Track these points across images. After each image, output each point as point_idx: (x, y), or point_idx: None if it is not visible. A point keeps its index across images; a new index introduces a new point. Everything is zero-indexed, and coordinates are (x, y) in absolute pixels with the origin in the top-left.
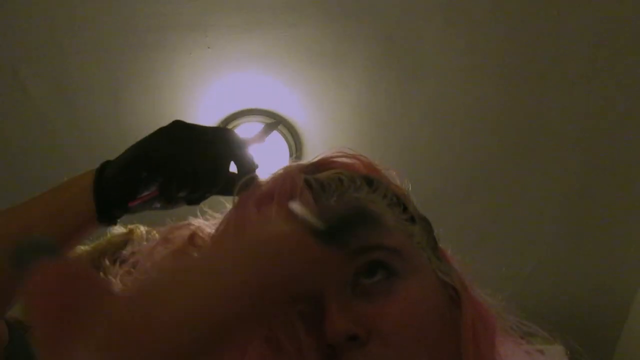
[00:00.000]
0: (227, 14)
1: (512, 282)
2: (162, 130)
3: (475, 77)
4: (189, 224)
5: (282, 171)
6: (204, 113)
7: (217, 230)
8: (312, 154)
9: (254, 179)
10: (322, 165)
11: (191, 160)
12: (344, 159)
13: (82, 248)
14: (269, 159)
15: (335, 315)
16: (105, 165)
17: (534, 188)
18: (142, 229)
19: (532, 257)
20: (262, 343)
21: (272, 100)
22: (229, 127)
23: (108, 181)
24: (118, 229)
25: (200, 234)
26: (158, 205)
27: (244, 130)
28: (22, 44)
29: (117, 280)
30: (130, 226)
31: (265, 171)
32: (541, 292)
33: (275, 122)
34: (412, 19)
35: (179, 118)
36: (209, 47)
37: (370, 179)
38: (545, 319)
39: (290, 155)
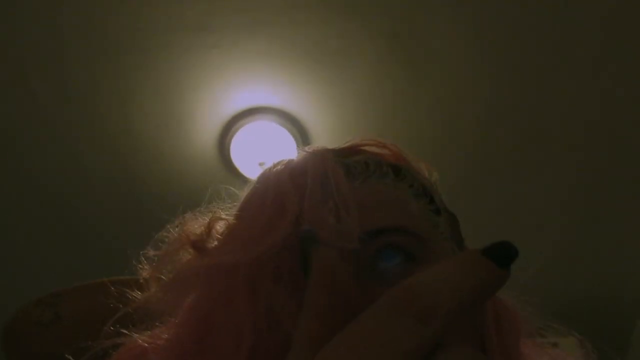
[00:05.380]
0: (231, 14)
1: (524, 274)
2: None
3: (483, 71)
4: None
5: (308, 151)
6: (211, 113)
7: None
8: None
9: None
10: (350, 150)
11: None
12: (374, 148)
13: None
14: (275, 155)
15: None
16: None
17: (544, 179)
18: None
19: (544, 248)
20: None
21: (279, 98)
22: (237, 126)
23: None
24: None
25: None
26: None
27: (252, 128)
28: (29, 48)
29: None
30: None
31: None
32: (554, 283)
33: None
34: (418, 13)
35: (185, 118)
36: (214, 48)
37: (399, 168)
38: (558, 311)
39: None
